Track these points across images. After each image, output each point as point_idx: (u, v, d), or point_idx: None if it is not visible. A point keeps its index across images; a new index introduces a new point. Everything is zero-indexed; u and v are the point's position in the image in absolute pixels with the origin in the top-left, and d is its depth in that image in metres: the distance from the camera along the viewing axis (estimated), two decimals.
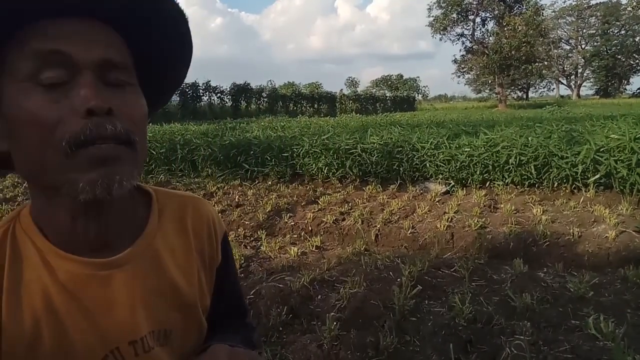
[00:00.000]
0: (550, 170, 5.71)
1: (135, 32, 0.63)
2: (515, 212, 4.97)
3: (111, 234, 0.65)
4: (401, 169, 6.74)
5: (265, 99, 35.22)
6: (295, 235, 4.94)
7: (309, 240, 4.63)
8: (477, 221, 4.62)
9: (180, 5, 0.63)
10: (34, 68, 0.55)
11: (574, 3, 68.44)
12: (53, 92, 0.55)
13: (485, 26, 49.19)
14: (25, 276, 0.60)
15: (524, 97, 67.70)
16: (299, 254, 4.21)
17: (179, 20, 0.65)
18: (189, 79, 30.16)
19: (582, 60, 70.49)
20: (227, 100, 32.17)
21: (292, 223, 5.22)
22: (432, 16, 48.44)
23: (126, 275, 0.65)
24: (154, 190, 0.77)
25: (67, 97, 0.55)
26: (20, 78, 0.55)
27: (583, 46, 70.58)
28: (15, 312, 0.58)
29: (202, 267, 0.77)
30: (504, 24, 44.49)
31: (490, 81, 52.65)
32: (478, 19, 48.61)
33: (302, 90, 45.34)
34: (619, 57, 67.59)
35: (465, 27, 48.98)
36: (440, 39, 50.13)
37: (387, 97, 51.77)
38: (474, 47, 49.07)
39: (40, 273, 0.60)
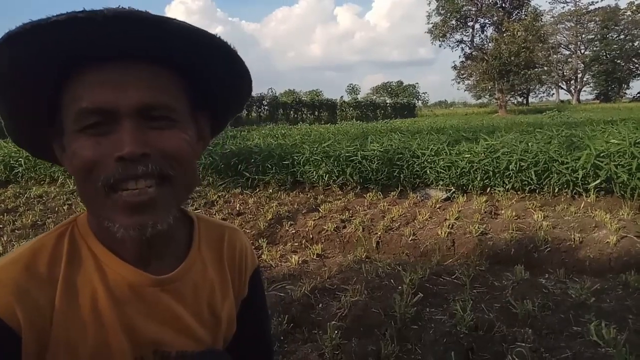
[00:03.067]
0: (551, 175, 5.71)
1: (190, 71, 0.67)
2: (516, 218, 4.97)
3: (154, 252, 0.69)
4: (402, 175, 6.75)
5: (266, 107, 35.30)
6: (296, 243, 4.94)
7: (309, 248, 4.63)
8: (478, 227, 4.62)
9: (229, 43, 0.65)
10: (79, 114, 0.60)
11: (572, 8, 68.66)
12: (96, 135, 0.60)
13: (485, 32, 49.34)
14: (79, 276, 0.65)
15: (524, 102, 67.82)
16: (300, 262, 4.20)
17: (233, 57, 0.67)
18: None
19: (582, 65, 70.57)
20: None
21: (293, 231, 5.22)
22: (432, 23, 48.58)
23: (167, 296, 0.69)
24: (196, 217, 0.81)
25: (108, 140, 0.60)
26: (70, 120, 0.61)
27: (582, 51, 70.71)
28: (66, 309, 0.62)
29: (234, 298, 0.82)
30: (503, 30, 44.61)
31: (490, 87, 52.66)
32: (477, 26, 48.78)
33: (303, 98, 45.45)
34: (619, 61, 67.71)
35: (464, 33, 49.14)
36: (440, 46, 50.40)
37: (387, 103, 51.82)
38: (473, 53, 49.18)
39: (92, 275, 0.65)
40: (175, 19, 0.58)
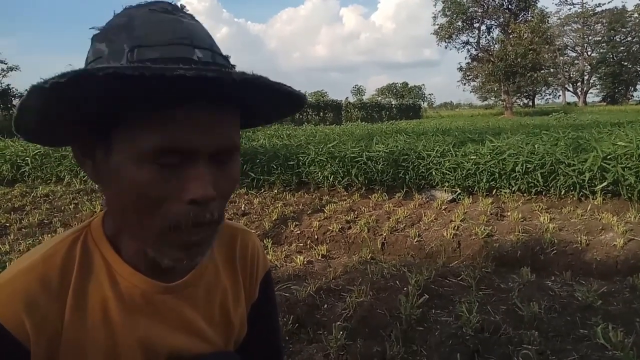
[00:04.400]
0: (557, 177, 5.68)
1: (252, 109, 0.67)
2: (522, 220, 4.95)
3: None
4: (407, 177, 6.74)
5: None
6: (301, 244, 4.94)
7: (315, 249, 4.63)
8: (484, 229, 4.60)
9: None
10: (154, 149, 0.57)
11: (579, 10, 68.38)
12: (165, 172, 0.58)
13: (491, 34, 49.23)
14: (90, 284, 0.64)
15: (530, 104, 67.57)
16: (305, 262, 4.20)
17: (300, 101, 0.67)
18: None
19: (588, 67, 70.27)
20: None
21: (298, 231, 5.22)
22: (437, 24, 48.50)
23: (179, 302, 0.69)
24: None
25: (177, 180, 0.59)
26: (138, 150, 0.57)
27: (589, 53, 70.40)
28: (77, 318, 0.62)
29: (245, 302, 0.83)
30: (510, 31, 44.50)
31: (496, 88, 52.61)
32: (483, 27, 48.67)
33: (308, 99, 45.31)
34: (626, 63, 67.37)
35: (470, 35, 49.05)
36: (446, 47, 50.14)
37: (392, 105, 51.74)
38: (479, 54, 49.04)
39: (104, 284, 0.65)
40: (284, 85, 0.59)
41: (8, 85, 22.36)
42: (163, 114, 0.56)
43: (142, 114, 0.56)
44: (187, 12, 0.62)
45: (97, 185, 0.63)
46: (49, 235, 5.15)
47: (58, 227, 5.56)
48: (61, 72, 0.48)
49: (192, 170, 0.59)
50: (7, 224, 5.81)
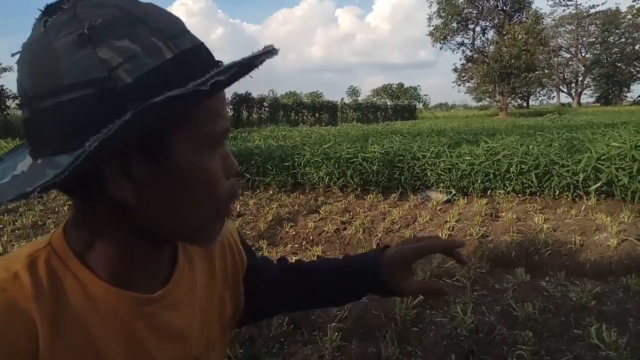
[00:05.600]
0: (552, 178, 5.70)
1: None
2: (516, 220, 4.97)
3: (159, 270, 0.67)
4: (402, 177, 6.75)
5: (267, 109, 35.31)
6: (297, 245, 4.94)
7: (310, 250, 4.63)
8: (479, 230, 4.62)
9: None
10: (221, 131, 0.58)
11: (573, 11, 68.76)
12: (218, 153, 0.60)
13: (485, 35, 49.43)
14: (66, 307, 0.57)
15: (525, 105, 67.80)
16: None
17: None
18: None
19: (582, 68, 70.65)
20: (229, 110, 32.14)
21: (294, 232, 5.22)
22: (432, 25, 48.65)
23: (163, 311, 0.66)
24: None
25: (222, 158, 0.61)
26: (207, 138, 0.57)
27: (583, 54, 70.77)
28: (55, 344, 0.55)
29: (226, 285, 0.80)
30: (504, 32, 44.67)
31: (490, 89, 52.69)
32: (478, 28, 48.88)
33: (304, 100, 45.51)
34: (619, 64, 67.77)
35: (465, 36, 49.22)
36: (441, 48, 50.35)
37: (388, 105, 51.85)
38: (474, 55, 49.23)
39: (81, 306, 0.58)
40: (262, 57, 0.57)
41: (2, 85, 21.84)
42: (214, 98, 0.56)
43: (207, 103, 0.56)
44: None
45: (128, 207, 0.54)
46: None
47: (52, 229, 5.54)
48: (218, 70, 0.49)
49: (224, 145, 0.62)
50: (1, 226, 5.78)
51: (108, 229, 0.59)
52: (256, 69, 0.53)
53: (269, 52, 0.53)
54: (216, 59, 0.57)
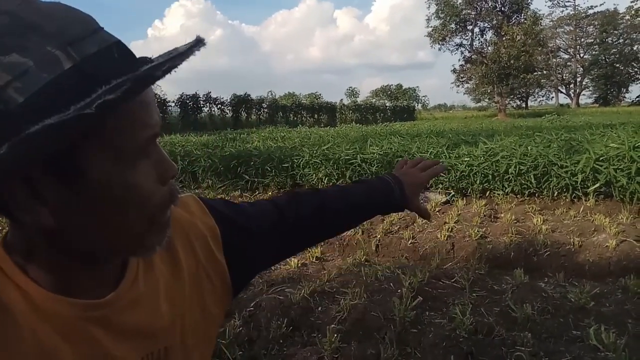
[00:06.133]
0: (550, 179, 5.72)
1: None
2: (515, 221, 4.97)
3: (105, 275, 0.64)
4: None
5: (266, 110, 35.34)
6: None
7: (309, 251, 4.63)
8: (478, 231, 4.62)
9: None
10: (144, 140, 0.53)
11: (571, 12, 68.88)
12: (147, 162, 0.55)
13: (484, 36, 49.49)
14: (12, 322, 0.54)
15: (524, 106, 67.93)
16: (299, 265, 4.20)
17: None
18: (190, 90, 30.11)
19: (581, 69, 70.77)
20: (228, 111, 32.26)
21: None
22: (431, 27, 48.72)
23: (116, 313, 0.63)
24: None
25: (155, 163, 0.56)
26: (127, 150, 0.52)
27: (581, 55, 70.90)
28: (3, 355, 0.53)
29: (199, 267, 0.76)
30: (503, 33, 44.75)
31: (489, 90, 52.73)
32: (476, 29, 48.94)
33: (302, 101, 45.52)
34: (618, 65, 67.89)
35: (463, 37, 49.28)
36: (439, 49, 50.42)
37: (386, 106, 51.89)
38: (472, 56, 49.30)
39: (30, 318, 0.55)
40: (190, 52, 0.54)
41: None
42: (132, 103, 0.50)
43: (120, 115, 0.49)
44: None
45: (52, 230, 0.51)
46: None
47: None
48: (106, 88, 0.43)
49: (157, 149, 0.57)
50: (0, 227, 5.76)
51: (40, 247, 0.56)
52: (159, 79, 0.49)
53: (175, 57, 0.49)
54: (139, 56, 0.53)
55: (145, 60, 0.53)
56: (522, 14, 46.66)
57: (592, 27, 68.44)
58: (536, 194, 5.90)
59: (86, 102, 0.42)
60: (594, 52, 69.20)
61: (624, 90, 71.72)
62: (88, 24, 0.50)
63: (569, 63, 72.30)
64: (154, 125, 0.54)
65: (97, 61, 0.47)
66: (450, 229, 4.80)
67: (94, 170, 0.50)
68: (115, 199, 0.52)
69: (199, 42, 0.51)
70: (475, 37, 49.22)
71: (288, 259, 4.31)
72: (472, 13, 47.53)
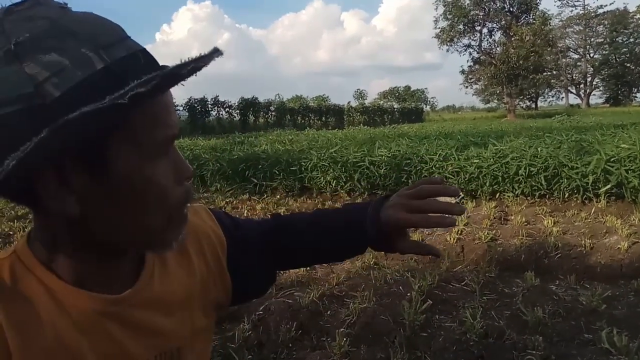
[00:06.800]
0: (561, 180, 5.67)
1: None
2: (525, 223, 4.94)
3: (123, 273, 0.67)
4: (410, 181, 6.73)
5: (273, 113, 35.42)
6: None
7: None
8: (488, 233, 4.59)
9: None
10: (165, 139, 0.58)
11: (581, 12, 68.36)
12: (167, 160, 0.59)
13: (492, 37, 49.29)
14: (34, 315, 0.58)
15: (533, 106, 67.52)
16: (308, 268, 4.20)
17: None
18: (198, 94, 30.27)
19: (591, 68, 70.17)
20: (236, 115, 32.38)
21: None
22: (439, 28, 48.63)
23: (135, 310, 0.66)
24: None
25: (172, 163, 0.60)
26: (149, 147, 0.56)
27: (591, 55, 70.29)
28: (25, 347, 0.57)
29: (209, 273, 0.78)
30: (511, 34, 44.55)
31: (498, 91, 52.56)
32: (485, 30, 48.76)
33: (310, 104, 45.52)
34: (628, 65, 67.24)
35: (472, 38, 49.10)
36: (447, 50, 50.20)
37: (394, 108, 51.74)
38: (481, 57, 49.11)
39: (49, 309, 0.59)
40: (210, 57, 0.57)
41: None
42: (156, 103, 0.55)
43: (144, 112, 0.53)
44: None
45: (76, 220, 0.55)
46: None
47: None
48: (138, 82, 0.47)
49: (175, 151, 0.61)
50: (11, 232, 5.83)
51: (64, 238, 0.60)
52: (185, 79, 0.54)
53: (198, 59, 0.53)
54: (162, 64, 0.57)
55: (167, 67, 0.56)
56: (531, 14, 46.43)
57: (602, 26, 67.81)
58: (547, 196, 5.85)
59: (120, 94, 0.46)
60: (604, 52, 68.58)
61: (635, 90, 70.99)
62: (117, 32, 0.55)
63: (578, 63, 71.72)
64: (173, 126, 0.58)
65: (125, 64, 0.52)
66: (459, 232, 4.78)
67: (118, 162, 0.54)
68: (136, 191, 0.56)
69: (217, 51, 0.54)
70: (484, 38, 49.11)
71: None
72: (481, 14, 47.39)
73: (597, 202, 5.41)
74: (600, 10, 66.61)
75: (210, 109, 30.86)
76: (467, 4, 46.90)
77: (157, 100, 0.55)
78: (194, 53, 0.53)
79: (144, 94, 0.47)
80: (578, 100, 73.75)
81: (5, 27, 0.50)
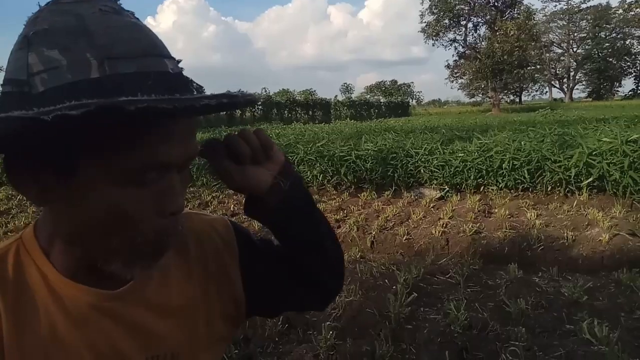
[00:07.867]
0: (544, 174, 5.74)
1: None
2: (509, 216, 4.99)
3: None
4: (396, 175, 6.76)
5: (260, 107, 35.25)
6: None
7: None
8: (472, 226, 4.64)
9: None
10: (141, 167, 0.54)
11: (564, 7, 69.04)
12: (145, 188, 0.55)
13: (478, 31, 49.65)
14: (30, 301, 0.60)
15: (517, 100, 68.10)
16: None
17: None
18: None
19: (574, 63, 71.04)
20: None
21: None
22: (425, 22, 48.79)
23: (128, 307, 0.66)
24: None
25: (156, 194, 0.56)
26: (118, 171, 0.53)
27: (575, 49, 71.14)
28: (18, 330, 0.58)
29: (210, 281, 0.77)
30: (496, 28, 44.84)
31: (483, 85, 52.94)
32: (470, 24, 49.06)
33: (297, 97, 45.35)
34: (611, 59, 68.18)
35: (457, 32, 49.37)
36: (433, 45, 50.44)
37: (381, 102, 51.89)
38: (466, 52, 49.38)
39: (46, 300, 0.60)
40: (251, 98, 0.60)
41: None
42: (145, 131, 0.52)
43: (120, 134, 0.51)
44: (131, 12, 0.56)
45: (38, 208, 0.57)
46: None
47: None
48: (75, 103, 0.43)
49: (168, 183, 0.57)
50: None
51: (59, 231, 0.61)
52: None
53: (159, 100, 0.48)
54: (197, 86, 0.55)
55: (191, 95, 0.53)
56: (516, 9, 46.80)
57: (585, 21, 68.67)
58: (530, 189, 5.92)
59: (50, 109, 0.44)
60: (587, 47, 69.48)
61: (617, 84, 72.12)
62: (143, 48, 0.53)
63: (562, 57, 72.59)
64: (163, 157, 0.54)
65: (124, 80, 0.49)
66: (444, 225, 4.82)
67: (87, 176, 0.53)
68: (95, 211, 0.55)
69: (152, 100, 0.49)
70: (469, 33, 49.41)
71: None
72: (466, 8, 47.61)
73: (579, 195, 5.49)
74: (584, 6, 67.55)
75: None
76: None
77: (146, 127, 0.52)
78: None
79: (71, 116, 0.43)
80: (561, 95, 74.76)
81: (41, 15, 0.52)
